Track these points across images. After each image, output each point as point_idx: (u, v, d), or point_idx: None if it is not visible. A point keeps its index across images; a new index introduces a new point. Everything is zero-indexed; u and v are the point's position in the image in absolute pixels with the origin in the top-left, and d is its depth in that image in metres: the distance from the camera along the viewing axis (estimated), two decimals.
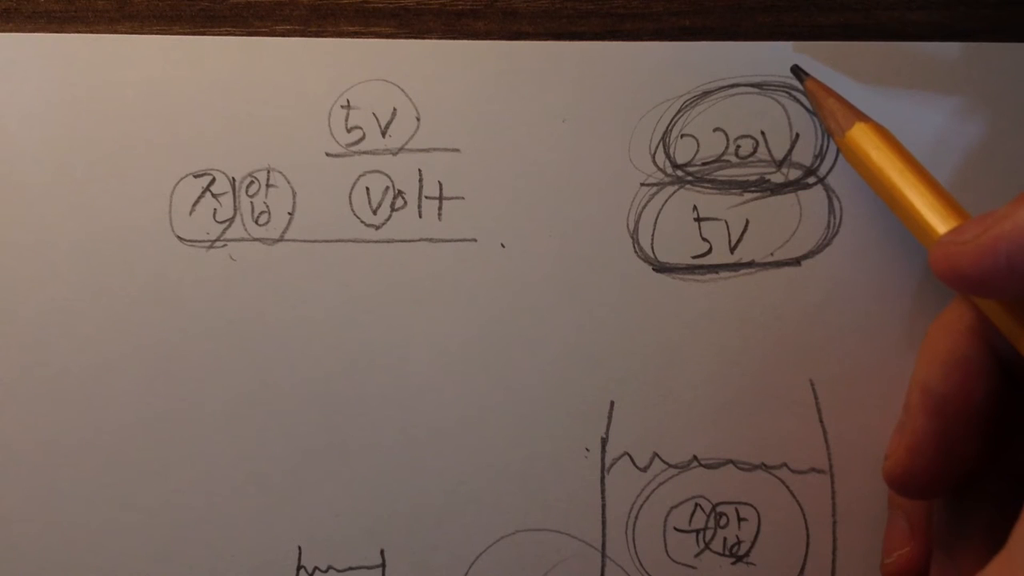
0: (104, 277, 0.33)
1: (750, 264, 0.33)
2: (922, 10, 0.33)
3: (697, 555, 0.32)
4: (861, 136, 0.31)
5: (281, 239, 0.33)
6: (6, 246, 0.33)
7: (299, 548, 0.33)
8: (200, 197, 0.34)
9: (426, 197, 0.33)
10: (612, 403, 0.33)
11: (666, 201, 0.33)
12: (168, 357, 0.33)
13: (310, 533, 0.33)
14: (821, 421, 0.32)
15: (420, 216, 0.33)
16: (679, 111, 0.33)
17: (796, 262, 0.33)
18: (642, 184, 0.33)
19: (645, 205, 0.33)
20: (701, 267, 0.33)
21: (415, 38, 0.34)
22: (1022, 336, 0.26)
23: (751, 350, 0.33)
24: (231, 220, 0.34)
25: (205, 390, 0.33)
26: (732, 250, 0.33)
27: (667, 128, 0.33)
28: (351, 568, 0.33)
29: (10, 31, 0.34)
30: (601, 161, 0.33)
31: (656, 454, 0.33)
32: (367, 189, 0.34)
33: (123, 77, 0.34)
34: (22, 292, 0.33)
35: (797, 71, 0.33)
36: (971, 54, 0.33)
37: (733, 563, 0.32)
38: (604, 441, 0.33)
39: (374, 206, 0.33)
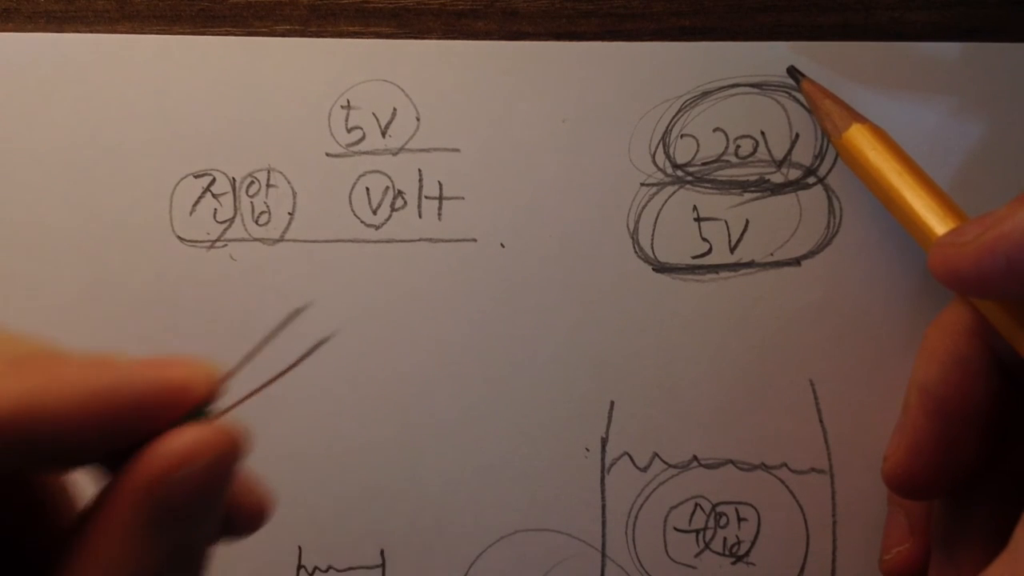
0: (104, 277, 0.33)
1: (750, 264, 0.33)
2: (921, 10, 0.33)
3: (697, 555, 0.32)
4: (858, 137, 0.31)
5: (281, 239, 0.33)
6: (6, 246, 0.33)
7: (299, 548, 0.33)
8: (200, 197, 0.34)
9: (426, 197, 0.33)
10: (612, 403, 0.33)
11: (666, 201, 0.33)
12: None
13: (310, 533, 0.33)
14: (821, 421, 0.32)
15: (420, 216, 0.33)
16: (679, 111, 0.33)
17: (796, 262, 0.33)
18: (642, 184, 0.33)
19: (645, 205, 0.33)
20: (701, 267, 0.33)
21: (415, 38, 0.34)
22: (1021, 337, 0.26)
23: (751, 350, 0.33)
24: (231, 220, 0.34)
25: None
26: (732, 250, 0.33)
27: (667, 128, 0.33)
28: (351, 568, 0.33)
29: (10, 31, 0.34)
30: (601, 161, 0.33)
31: (656, 454, 0.33)
32: (367, 189, 0.34)
33: (123, 77, 0.34)
34: (22, 292, 0.33)
35: (793, 72, 0.32)
36: (970, 54, 0.33)
37: (733, 563, 0.32)
38: (604, 441, 0.33)
39: (374, 206, 0.33)
